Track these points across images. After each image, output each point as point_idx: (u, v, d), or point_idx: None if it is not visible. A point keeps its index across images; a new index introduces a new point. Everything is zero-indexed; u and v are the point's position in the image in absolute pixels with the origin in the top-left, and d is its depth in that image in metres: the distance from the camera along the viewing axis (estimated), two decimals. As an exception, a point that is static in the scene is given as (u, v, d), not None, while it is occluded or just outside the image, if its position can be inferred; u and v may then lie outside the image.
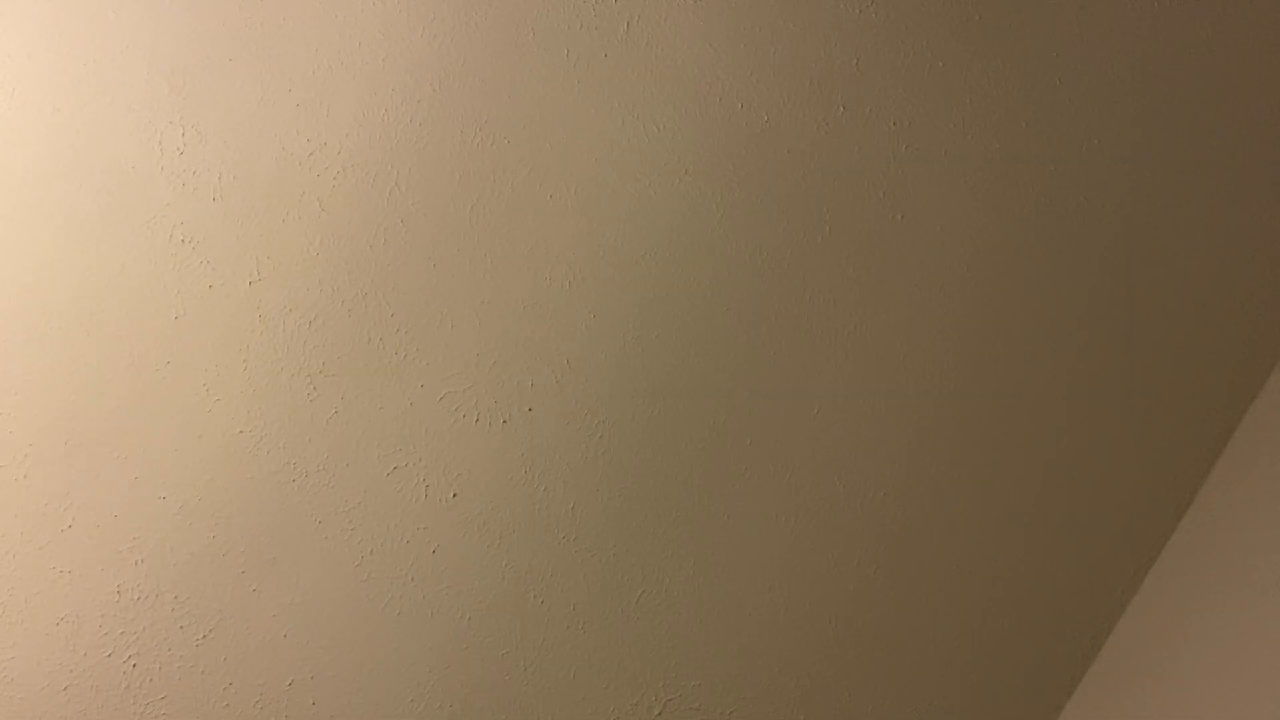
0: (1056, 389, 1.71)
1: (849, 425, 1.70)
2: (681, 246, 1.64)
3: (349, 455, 1.63)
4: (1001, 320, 1.69)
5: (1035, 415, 1.71)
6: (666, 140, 1.62)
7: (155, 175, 1.56)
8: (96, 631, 1.60)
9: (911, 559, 1.72)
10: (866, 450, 1.70)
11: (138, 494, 1.59)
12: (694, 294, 1.65)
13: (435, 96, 1.59)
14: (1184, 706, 1.54)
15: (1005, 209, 1.66)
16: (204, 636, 1.62)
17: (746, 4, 1.60)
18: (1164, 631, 1.65)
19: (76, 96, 1.54)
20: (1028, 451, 1.72)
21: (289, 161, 1.58)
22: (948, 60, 1.62)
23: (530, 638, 1.68)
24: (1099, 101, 1.64)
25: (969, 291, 1.68)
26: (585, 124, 1.61)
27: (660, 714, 1.70)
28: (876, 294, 1.67)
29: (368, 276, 1.61)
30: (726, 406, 1.68)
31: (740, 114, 1.62)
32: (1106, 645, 1.74)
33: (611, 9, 1.59)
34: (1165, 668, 1.61)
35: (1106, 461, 1.72)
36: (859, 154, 1.64)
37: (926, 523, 1.72)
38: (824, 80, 1.62)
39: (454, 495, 1.65)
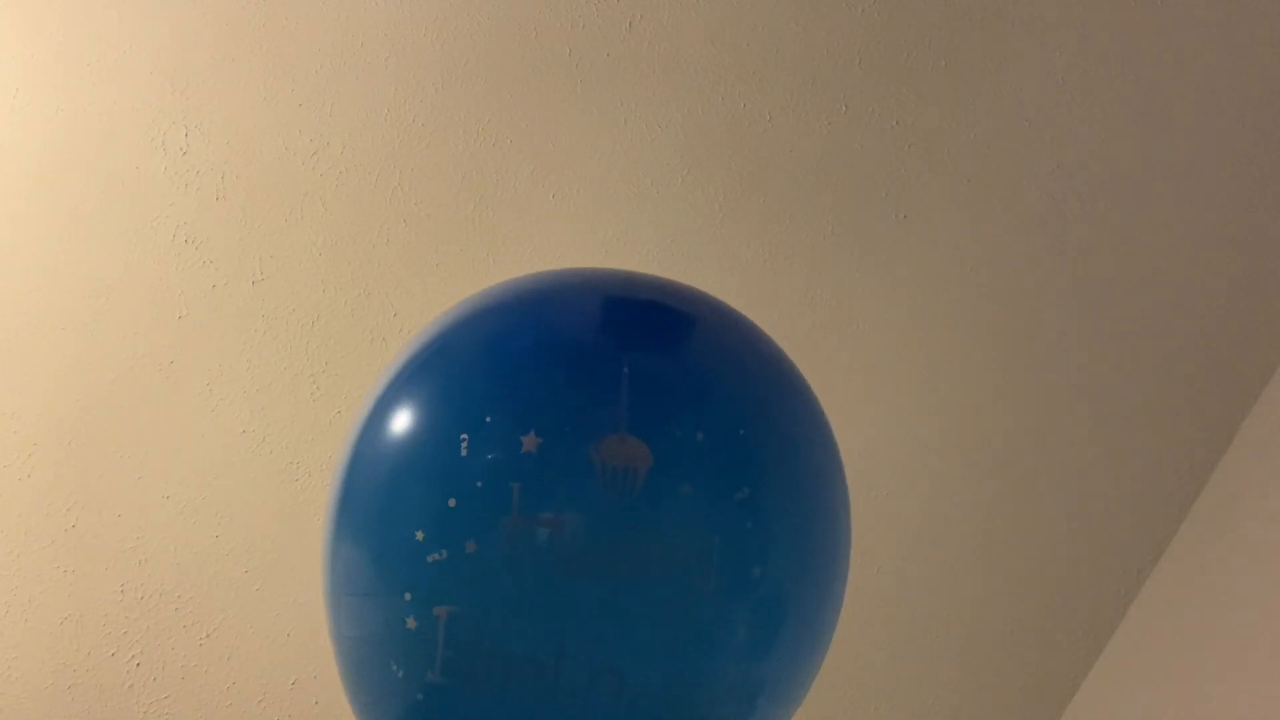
0: (1060, 388, 1.71)
1: (851, 424, 1.70)
2: (683, 246, 1.64)
3: (352, 455, 1.63)
4: (1003, 320, 1.69)
5: (1038, 414, 1.71)
6: (668, 140, 1.62)
7: (159, 175, 1.56)
8: (100, 631, 1.60)
9: (914, 558, 1.72)
10: (869, 449, 1.70)
11: (141, 493, 1.59)
12: (696, 293, 1.65)
13: (437, 96, 1.59)
14: (1186, 706, 1.54)
15: (1008, 208, 1.66)
16: (207, 635, 1.62)
17: (749, 3, 1.60)
18: (1167, 631, 1.65)
19: (80, 97, 1.54)
20: (1029, 451, 1.72)
21: (292, 161, 1.58)
22: (950, 60, 1.62)
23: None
24: (1102, 100, 1.63)
25: (972, 290, 1.68)
26: (587, 123, 1.61)
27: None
28: (880, 293, 1.67)
29: (370, 276, 1.61)
30: (729, 406, 1.68)
31: (743, 113, 1.62)
32: (1109, 645, 1.74)
33: (613, 8, 1.59)
34: (1167, 668, 1.61)
35: (1109, 461, 1.72)
36: (861, 153, 1.64)
37: (929, 522, 1.72)
38: (826, 80, 1.62)
39: (456, 495, 1.65)
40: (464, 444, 0.72)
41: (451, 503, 0.72)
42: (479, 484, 0.72)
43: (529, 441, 0.71)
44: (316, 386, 1.61)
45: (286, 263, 1.59)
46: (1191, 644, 1.58)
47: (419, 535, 0.72)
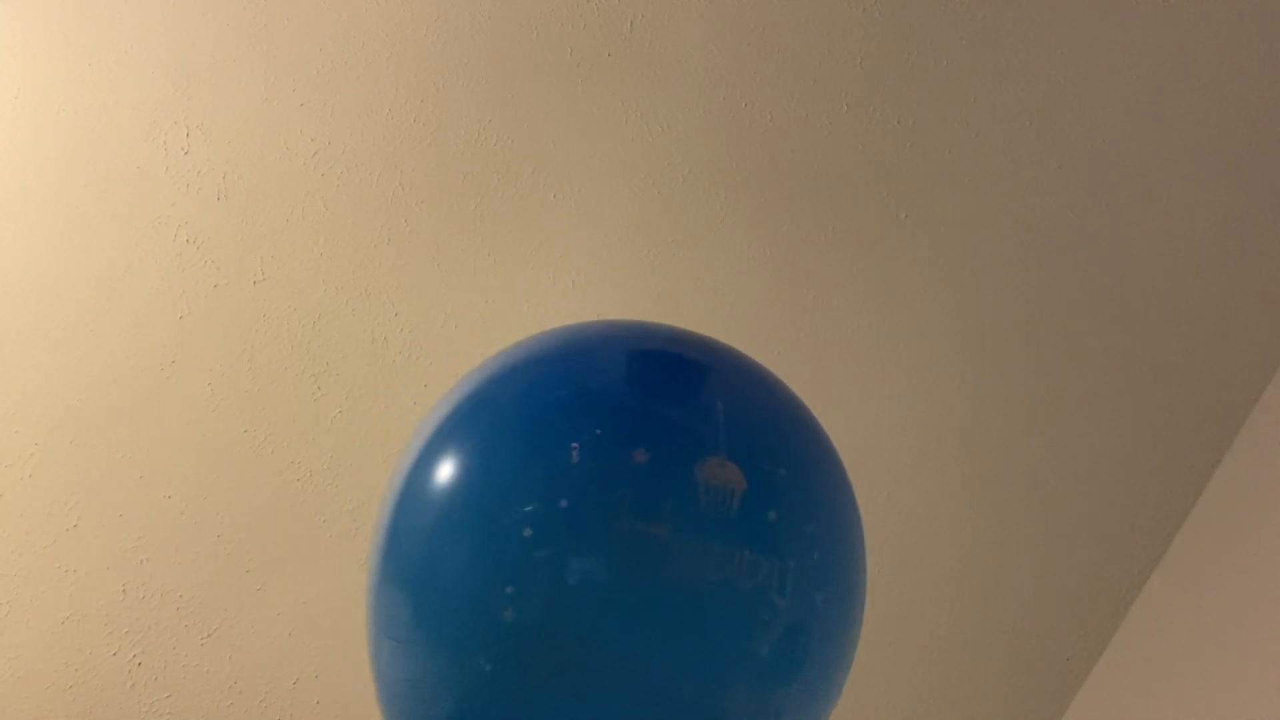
0: (1061, 388, 1.71)
1: (852, 424, 1.70)
2: (685, 246, 1.64)
3: (353, 454, 1.63)
4: (1004, 319, 1.69)
5: (1039, 414, 1.71)
6: (670, 139, 1.62)
7: (160, 175, 1.56)
8: (101, 630, 1.60)
9: (915, 559, 1.72)
10: (870, 449, 1.70)
11: (143, 493, 1.60)
12: (697, 294, 1.65)
13: (438, 96, 1.59)
14: (1187, 707, 1.54)
15: (1009, 208, 1.66)
16: (208, 635, 1.63)
17: (750, 3, 1.60)
18: (1167, 634, 1.65)
19: (81, 97, 1.54)
20: (1031, 451, 1.72)
21: (293, 161, 1.58)
22: (951, 59, 1.62)
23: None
24: (1103, 100, 1.63)
25: (972, 290, 1.68)
26: (589, 123, 1.61)
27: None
28: (880, 293, 1.67)
29: (371, 276, 1.61)
30: (730, 406, 1.68)
31: (744, 113, 1.62)
32: (1110, 646, 1.74)
33: (615, 8, 1.59)
34: (1168, 670, 1.61)
35: (1109, 463, 1.72)
36: (863, 153, 1.64)
37: (931, 522, 1.72)
38: (828, 79, 1.62)
39: (458, 494, 1.65)
40: (574, 452, 0.78)
41: (563, 503, 0.77)
42: (590, 488, 0.78)
43: (639, 455, 0.78)
44: (318, 386, 1.61)
45: (287, 263, 1.59)
46: (1191, 646, 1.58)
47: (526, 532, 0.76)
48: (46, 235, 1.55)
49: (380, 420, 1.63)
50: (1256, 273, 1.67)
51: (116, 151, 1.55)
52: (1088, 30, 1.61)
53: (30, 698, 1.60)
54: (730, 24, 1.60)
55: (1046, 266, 1.67)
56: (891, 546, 1.72)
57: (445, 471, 0.83)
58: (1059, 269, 1.68)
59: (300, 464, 1.62)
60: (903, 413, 1.70)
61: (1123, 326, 1.69)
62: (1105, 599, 1.74)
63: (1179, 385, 1.70)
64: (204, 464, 1.60)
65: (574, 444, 0.79)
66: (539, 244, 1.62)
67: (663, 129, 1.62)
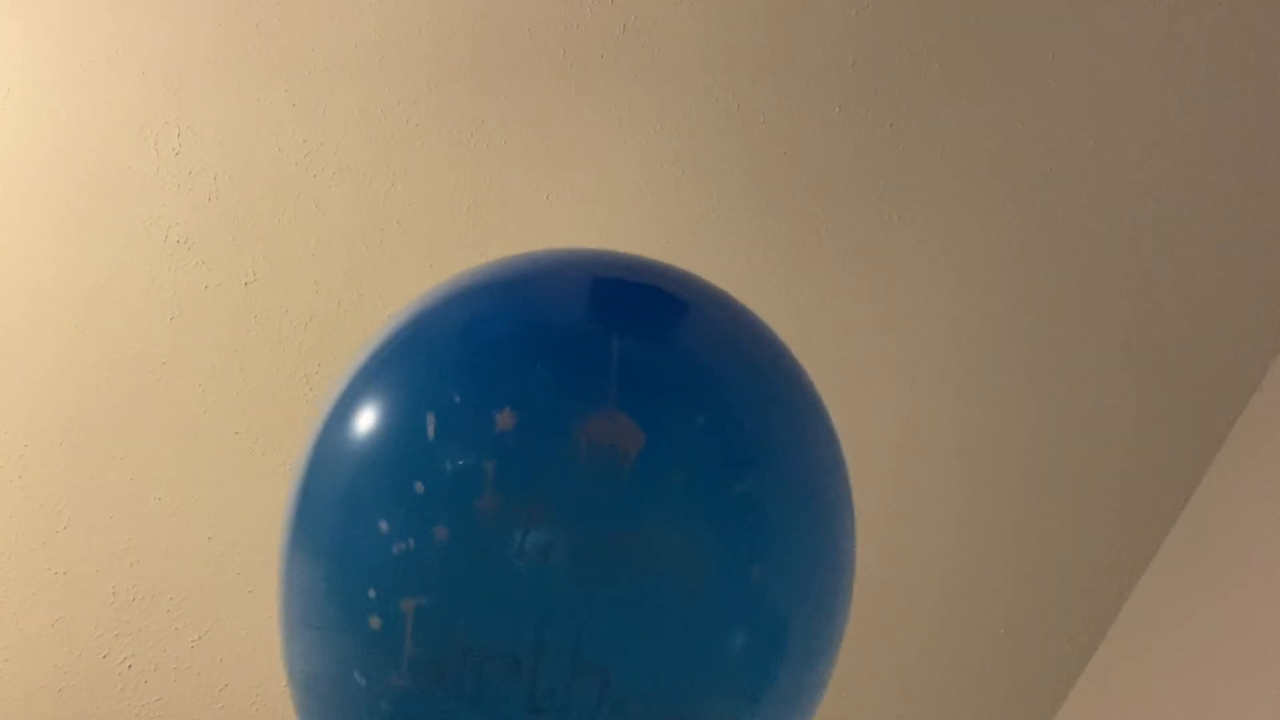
0: (1055, 387, 1.71)
1: (846, 424, 1.70)
2: (677, 247, 1.64)
3: (345, 456, 1.63)
4: (995, 321, 1.69)
5: (1033, 413, 1.71)
6: (662, 141, 1.62)
7: (151, 176, 1.56)
8: (92, 633, 1.60)
9: (907, 558, 1.72)
10: (863, 449, 1.70)
11: (133, 495, 1.59)
12: (690, 295, 1.65)
13: (431, 97, 1.58)
14: (1178, 708, 1.54)
15: (1002, 210, 1.66)
16: (199, 638, 1.62)
17: (743, 5, 1.60)
18: (1159, 633, 1.66)
19: (72, 97, 1.53)
20: (1024, 450, 1.72)
21: (285, 162, 1.58)
22: (944, 61, 1.62)
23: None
24: (1095, 102, 1.64)
25: (965, 292, 1.68)
26: (582, 124, 1.61)
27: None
28: (872, 295, 1.67)
29: (364, 277, 1.61)
30: (723, 407, 1.68)
31: (736, 115, 1.62)
32: (1102, 647, 1.74)
33: (608, 9, 1.59)
34: (1160, 670, 1.62)
35: (1100, 463, 1.72)
36: (855, 155, 1.64)
37: (923, 521, 1.72)
38: (821, 81, 1.62)
39: (450, 496, 1.65)
40: (430, 424, 0.65)
41: (419, 487, 0.64)
42: (448, 466, 0.64)
43: (503, 419, 0.63)
44: (309, 388, 1.61)
45: (279, 264, 1.59)
46: (1183, 646, 1.58)
47: (383, 526, 0.65)
48: (37, 236, 1.55)
49: (372, 422, 1.63)
50: (1246, 273, 1.68)
51: (107, 152, 1.55)
52: (1079, 32, 1.61)
53: (20, 700, 1.59)
54: (722, 26, 1.60)
55: (1037, 267, 1.68)
56: (881, 546, 1.72)
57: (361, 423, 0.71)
58: (1049, 270, 1.68)
59: (291, 465, 1.62)
60: (894, 413, 1.70)
61: (1112, 327, 1.69)
62: (1096, 599, 1.74)
63: (1170, 385, 1.71)
64: (195, 466, 1.60)
65: (429, 414, 0.64)
66: (531, 245, 1.62)
67: (656, 131, 1.62)
